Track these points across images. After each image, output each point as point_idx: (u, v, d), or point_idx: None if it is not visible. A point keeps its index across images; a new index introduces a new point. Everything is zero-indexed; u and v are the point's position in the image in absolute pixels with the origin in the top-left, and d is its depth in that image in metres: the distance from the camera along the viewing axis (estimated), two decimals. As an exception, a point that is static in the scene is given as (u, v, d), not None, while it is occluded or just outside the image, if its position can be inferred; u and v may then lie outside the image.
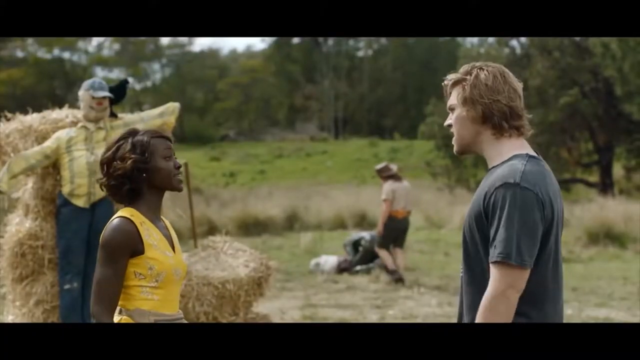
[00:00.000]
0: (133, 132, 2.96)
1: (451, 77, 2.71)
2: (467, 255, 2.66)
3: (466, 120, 2.66)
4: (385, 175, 10.85)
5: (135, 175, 2.87)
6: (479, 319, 2.51)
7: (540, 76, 24.35)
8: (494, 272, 2.49)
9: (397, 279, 10.51)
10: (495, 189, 2.52)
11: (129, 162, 2.86)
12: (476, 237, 2.60)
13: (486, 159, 2.69)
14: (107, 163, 2.91)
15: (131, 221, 2.83)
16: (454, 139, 2.72)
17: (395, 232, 10.79)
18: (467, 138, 2.68)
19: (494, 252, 2.49)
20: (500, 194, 2.50)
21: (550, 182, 2.60)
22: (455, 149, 2.75)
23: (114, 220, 2.85)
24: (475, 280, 2.62)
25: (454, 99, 2.69)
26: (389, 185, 10.69)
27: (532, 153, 2.64)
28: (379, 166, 11.13)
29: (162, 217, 3.02)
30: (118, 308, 2.88)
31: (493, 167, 2.65)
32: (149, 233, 2.86)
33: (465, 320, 2.65)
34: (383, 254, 10.81)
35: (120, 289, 2.82)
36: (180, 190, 2.99)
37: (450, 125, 2.73)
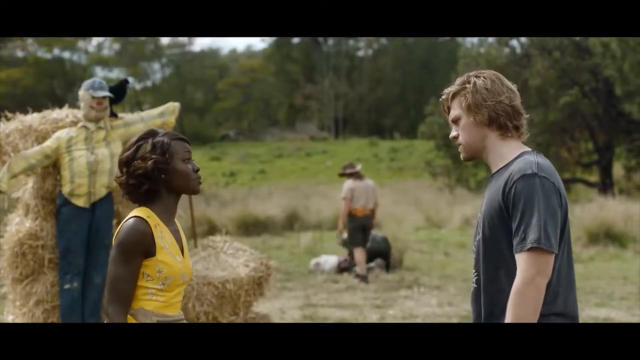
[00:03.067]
0: (153, 133, 2.95)
1: (449, 90, 2.80)
2: (488, 256, 2.66)
3: (473, 127, 2.73)
4: (348, 173, 11.04)
5: (155, 176, 2.86)
6: (509, 307, 2.54)
7: (540, 76, 24.34)
8: (523, 259, 2.53)
9: (362, 278, 10.72)
10: (514, 181, 2.58)
11: (150, 162, 2.85)
12: (499, 234, 2.63)
13: (490, 164, 2.76)
14: (126, 162, 2.90)
15: (146, 222, 2.83)
16: (461, 147, 2.79)
17: (358, 229, 10.93)
18: (475, 144, 2.76)
19: (524, 241, 2.53)
20: (520, 184, 2.57)
21: (559, 176, 2.68)
22: (463, 156, 2.82)
23: (130, 219, 2.84)
24: (502, 277, 2.62)
25: (457, 109, 2.77)
26: (348, 184, 10.90)
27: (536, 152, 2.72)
28: (345, 164, 11.32)
29: (175, 220, 3.01)
30: None
31: (499, 169, 2.71)
32: (162, 236, 2.86)
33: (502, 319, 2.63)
34: (356, 254, 10.97)
35: (134, 289, 2.83)
36: (197, 193, 2.98)
37: (455, 137, 2.80)
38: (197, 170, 2.95)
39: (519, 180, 2.58)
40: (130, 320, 2.84)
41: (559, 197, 2.60)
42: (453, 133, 2.81)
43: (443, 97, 2.82)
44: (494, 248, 2.65)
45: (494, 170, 2.74)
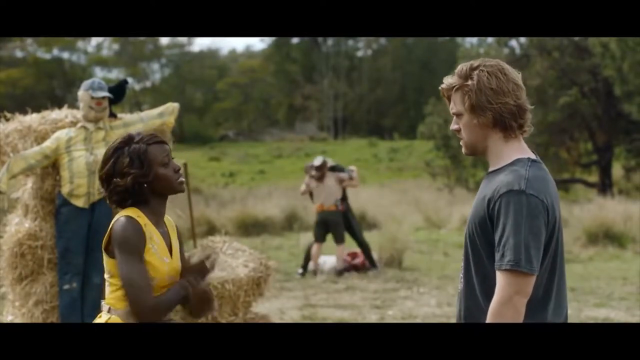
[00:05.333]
0: (128, 141, 2.89)
1: (450, 82, 2.65)
2: (469, 260, 2.65)
3: (476, 127, 2.63)
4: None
5: (136, 189, 2.86)
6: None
7: (540, 76, 24.34)
8: (502, 278, 2.48)
9: (304, 272, 11.36)
10: (500, 195, 2.51)
11: (129, 178, 2.83)
12: (480, 243, 2.59)
13: (489, 162, 2.68)
14: (106, 179, 2.88)
15: (137, 221, 2.84)
16: (462, 141, 2.70)
17: (317, 224, 11.59)
18: (477, 143, 2.67)
19: (503, 260, 2.48)
20: (505, 199, 2.49)
21: (552, 186, 2.61)
22: (464, 151, 2.73)
23: (122, 218, 2.84)
24: (476, 285, 2.61)
25: (459, 105, 2.64)
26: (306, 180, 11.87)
27: (533, 156, 2.64)
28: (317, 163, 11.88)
29: (165, 220, 3.00)
30: (107, 307, 2.89)
31: (493, 170, 2.64)
32: (151, 236, 2.86)
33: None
34: (312, 249, 11.60)
35: (150, 278, 2.82)
36: (182, 191, 2.97)
37: (457, 131, 2.69)
38: (178, 170, 2.94)
39: (504, 195, 2.50)
40: (116, 321, 2.83)
41: (545, 215, 2.51)
42: (454, 126, 2.69)
43: (444, 86, 2.67)
44: (474, 252, 2.62)
45: (490, 169, 2.67)
